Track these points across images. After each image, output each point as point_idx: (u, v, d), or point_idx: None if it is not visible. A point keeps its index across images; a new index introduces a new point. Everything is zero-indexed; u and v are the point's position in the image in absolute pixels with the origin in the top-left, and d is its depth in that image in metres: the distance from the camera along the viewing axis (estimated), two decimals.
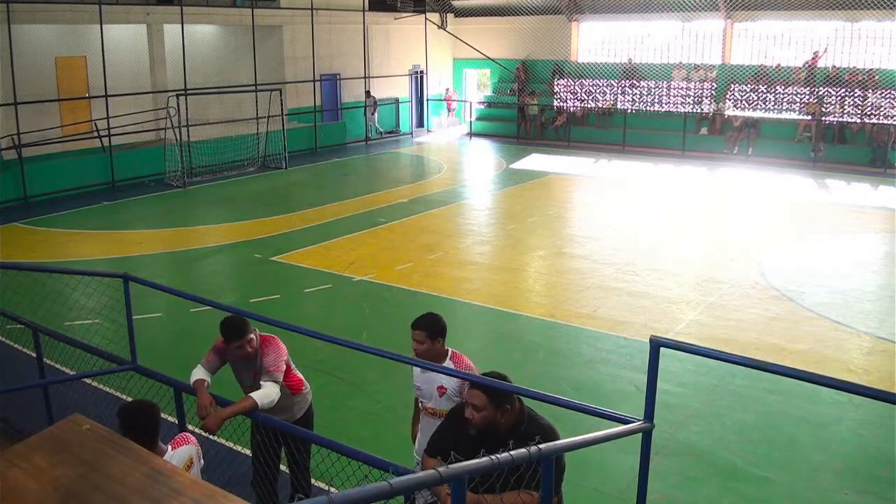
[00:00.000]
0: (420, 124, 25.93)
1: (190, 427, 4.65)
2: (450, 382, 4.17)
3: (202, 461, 3.80)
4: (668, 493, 5.44)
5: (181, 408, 4.65)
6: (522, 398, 3.41)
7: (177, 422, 4.73)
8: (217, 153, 17.76)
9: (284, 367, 4.55)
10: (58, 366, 6.55)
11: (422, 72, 25.44)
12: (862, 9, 18.56)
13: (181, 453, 3.62)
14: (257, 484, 4.73)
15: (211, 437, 4.48)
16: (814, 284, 10.05)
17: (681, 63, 22.08)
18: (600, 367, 7.62)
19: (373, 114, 23.44)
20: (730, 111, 20.86)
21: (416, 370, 4.29)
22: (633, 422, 3.46)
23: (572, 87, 23.30)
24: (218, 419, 4.21)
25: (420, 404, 4.38)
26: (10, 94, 14.99)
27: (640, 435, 3.46)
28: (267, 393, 4.31)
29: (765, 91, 20.23)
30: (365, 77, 23.25)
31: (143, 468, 2.79)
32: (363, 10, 22.84)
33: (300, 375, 4.82)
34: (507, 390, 3.31)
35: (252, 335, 4.48)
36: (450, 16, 26.19)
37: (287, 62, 21.19)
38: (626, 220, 13.80)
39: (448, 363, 4.19)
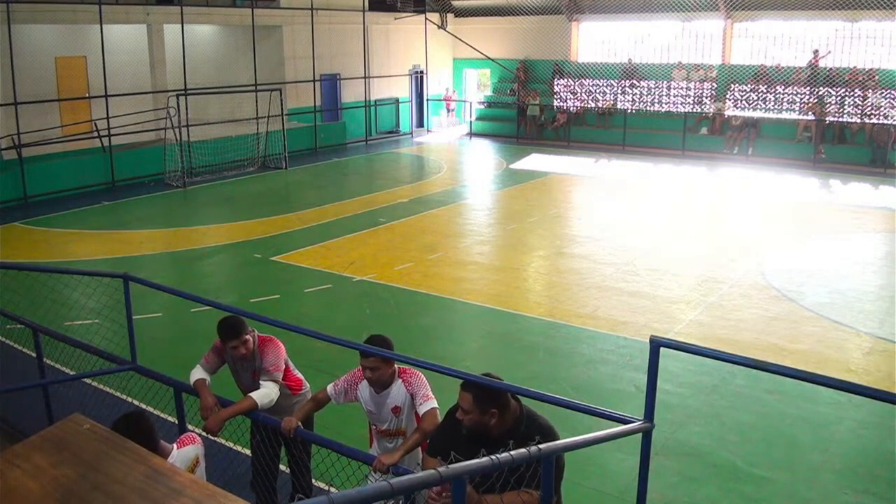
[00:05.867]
0: (420, 124, 25.92)
1: (191, 427, 4.65)
2: (404, 400, 4.06)
3: (204, 461, 3.80)
4: (668, 493, 5.44)
5: (181, 408, 4.64)
6: (522, 399, 3.39)
7: (177, 422, 4.73)
8: (217, 153, 17.75)
9: (284, 366, 4.54)
10: (58, 366, 6.55)
11: (422, 72, 25.44)
12: (862, 9, 18.54)
13: (187, 453, 3.61)
14: (257, 485, 4.72)
15: (211, 437, 4.48)
16: (814, 284, 10.05)
17: (681, 63, 22.08)
18: (600, 367, 7.62)
19: None
20: (730, 111, 20.86)
21: (365, 396, 4.16)
22: (633, 422, 3.45)
23: (572, 87, 23.30)
24: (218, 420, 4.20)
25: (373, 427, 4.26)
26: (10, 94, 14.99)
27: (640, 435, 3.46)
28: (266, 393, 4.31)
29: (765, 91, 20.22)
30: (365, 77, 23.26)
31: (143, 468, 2.80)
32: (363, 10, 22.84)
33: (300, 375, 4.82)
34: (503, 390, 3.29)
35: (248, 336, 4.47)
36: (450, 16, 26.19)
37: (287, 62, 21.19)
38: (626, 220, 13.80)
39: (398, 381, 4.08)
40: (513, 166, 19.52)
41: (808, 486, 5.57)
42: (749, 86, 20.54)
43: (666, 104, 21.99)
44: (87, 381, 6.46)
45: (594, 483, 5.54)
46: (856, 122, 19.15)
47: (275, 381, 4.40)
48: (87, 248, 12.12)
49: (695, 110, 21.43)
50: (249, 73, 19.85)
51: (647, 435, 3.45)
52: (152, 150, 17.31)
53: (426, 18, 24.62)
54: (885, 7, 18.15)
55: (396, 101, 24.98)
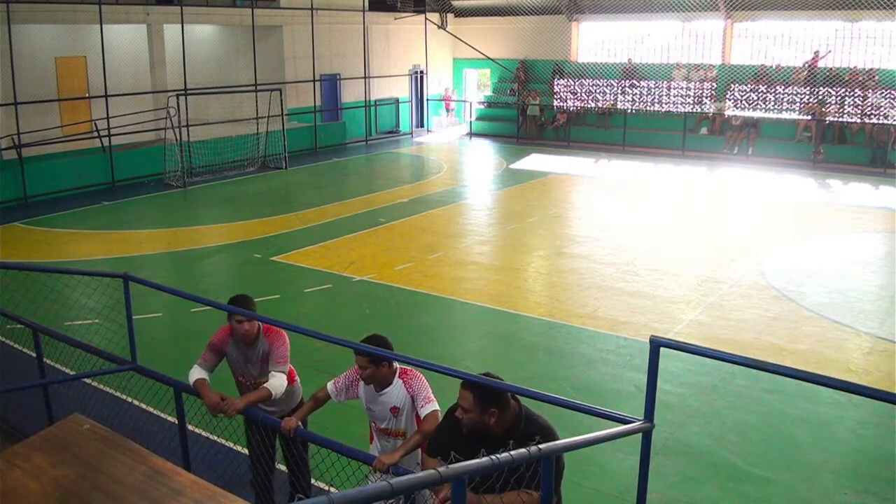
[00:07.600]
0: (420, 124, 25.93)
1: (191, 427, 4.64)
2: (403, 401, 4.07)
3: None
4: (668, 493, 5.44)
5: (181, 408, 4.64)
6: (522, 398, 3.39)
7: (177, 422, 4.73)
8: (217, 153, 17.75)
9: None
10: (58, 366, 6.55)
11: (422, 72, 25.44)
12: (862, 9, 18.54)
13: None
14: (256, 483, 4.73)
15: (215, 436, 4.47)
16: (814, 284, 10.05)
17: (681, 63, 22.08)
18: (600, 367, 7.62)
19: None
20: (730, 111, 20.86)
21: (364, 393, 4.18)
22: (633, 422, 3.45)
23: (572, 87, 23.30)
24: (244, 402, 4.26)
25: (373, 425, 4.28)
26: (10, 94, 14.99)
27: (640, 435, 3.45)
28: (280, 384, 4.39)
29: (765, 91, 20.22)
30: (365, 77, 23.26)
31: (143, 468, 2.80)
32: (363, 10, 22.84)
33: (291, 367, 4.87)
34: (503, 390, 3.29)
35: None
36: (450, 16, 26.19)
37: (287, 62, 21.19)
38: (626, 220, 13.79)
39: (398, 381, 4.09)
40: (513, 166, 19.52)
41: (808, 486, 5.57)
42: (749, 86, 20.54)
43: (666, 104, 21.98)
44: (87, 381, 6.46)
45: (594, 483, 5.54)
46: (856, 122, 19.15)
47: (284, 372, 4.48)
48: (87, 248, 12.11)
49: (695, 110, 21.43)
50: (249, 73, 19.85)
51: (647, 435, 3.45)
52: (152, 150, 17.30)
53: (426, 18, 24.61)
54: (885, 7, 18.15)
55: (396, 101, 24.98)
